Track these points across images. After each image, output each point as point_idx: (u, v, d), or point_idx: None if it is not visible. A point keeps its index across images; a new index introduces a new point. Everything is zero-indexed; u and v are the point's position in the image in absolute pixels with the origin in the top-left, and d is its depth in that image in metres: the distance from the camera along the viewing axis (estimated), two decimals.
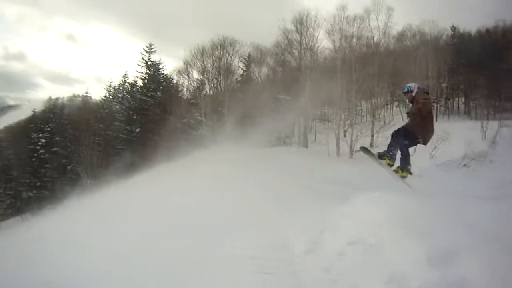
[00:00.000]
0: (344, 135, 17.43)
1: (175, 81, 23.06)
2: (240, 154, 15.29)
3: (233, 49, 21.59)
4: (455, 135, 14.77)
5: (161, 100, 21.96)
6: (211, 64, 21.51)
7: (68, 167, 22.03)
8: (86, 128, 22.15)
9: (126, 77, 25.00)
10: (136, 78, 23.79)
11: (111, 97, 24.33)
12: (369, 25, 19.08)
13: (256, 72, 23.58)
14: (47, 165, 22.63)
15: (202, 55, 21.50)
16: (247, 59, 22.84)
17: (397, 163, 4.81)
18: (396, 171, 4.73)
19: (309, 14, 19.25)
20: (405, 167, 4.70)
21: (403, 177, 4.71)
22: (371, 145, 16.35)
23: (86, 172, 21.50)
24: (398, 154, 4.81)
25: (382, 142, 14.77)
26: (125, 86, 24.34)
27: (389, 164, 4.72)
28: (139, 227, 6.80)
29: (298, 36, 19.47)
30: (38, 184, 22.57)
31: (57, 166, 22.41)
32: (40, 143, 22.79)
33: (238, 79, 22.67)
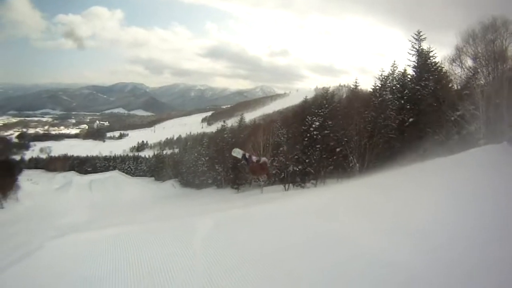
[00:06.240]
0: None
1: (444, 70, 21.59)
2: None
3: (507, 30, 18.17)
4: None
5: (434, 90, 21.41)
6: (483, 49, 18.77)
7: (337, 150, 24.09)
8: (357, 115, 23.42)
9: (395, 66, 24.77)
10: (407, 67, 23.23)
11: (381, 86, 24.44)
12: None
13: None
14: (318, 145, 24.23)
15: (474, 40, 19.04)
16: None
17: None
18: None
19: None
20: None
21: None
22: None
23: (355, 156, 24.07)
24: None
25: None
26: (394, 75, 24.34)
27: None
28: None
29: None
30: (307, 161, 24.53)
31: (326, 147, 24.16)
32: (314, 126, 23.61)
33: None
